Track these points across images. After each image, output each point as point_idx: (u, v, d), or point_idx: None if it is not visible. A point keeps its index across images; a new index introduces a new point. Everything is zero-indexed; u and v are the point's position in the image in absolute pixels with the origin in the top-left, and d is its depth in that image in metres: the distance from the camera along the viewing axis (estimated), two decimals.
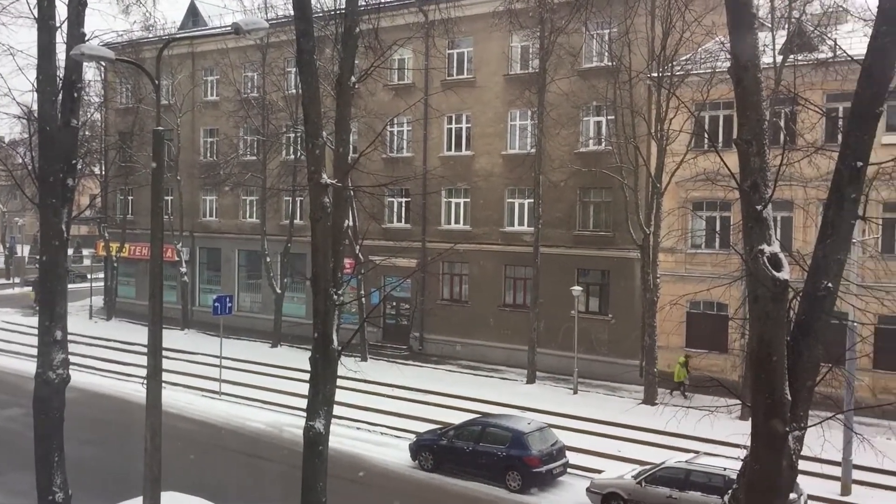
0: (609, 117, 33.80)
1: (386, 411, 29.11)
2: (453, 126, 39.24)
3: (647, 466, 20.95)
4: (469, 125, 38.78)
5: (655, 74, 30.36)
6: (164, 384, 13.09)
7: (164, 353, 13.35)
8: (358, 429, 27.32)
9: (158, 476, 13.35)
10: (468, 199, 38.91)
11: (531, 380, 34.09)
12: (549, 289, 34.53)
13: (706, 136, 30.92)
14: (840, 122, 25.22)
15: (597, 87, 32.92)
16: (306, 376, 13.99)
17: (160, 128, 14.32)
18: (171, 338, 34.45)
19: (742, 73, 8.96)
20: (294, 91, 38.89)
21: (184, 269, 46.30)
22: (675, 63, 29.90)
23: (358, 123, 36.50)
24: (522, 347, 34.74)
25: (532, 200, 35.23)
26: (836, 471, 21.35)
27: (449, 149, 39.40)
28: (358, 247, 36.75)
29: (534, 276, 34.40)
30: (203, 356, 37.09)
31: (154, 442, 13.27)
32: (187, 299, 47.15)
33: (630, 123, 31.30)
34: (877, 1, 9.15)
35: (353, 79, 14.61)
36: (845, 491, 21.55)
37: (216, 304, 32.59)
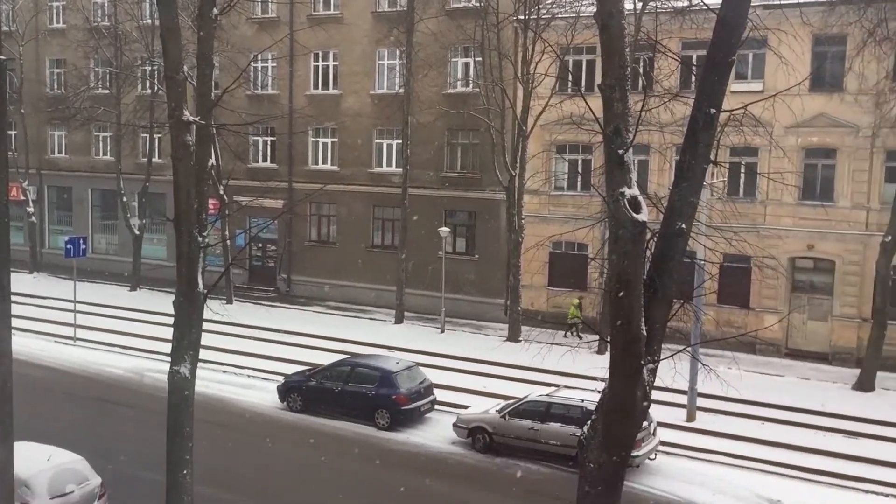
0: (477, 59, 33.91)
1: (253, 354, 28.77)
2: (320, 64, 38.34)
3: (511, 401, 21.75)
4: (336, 63, 38.00)
5: (522, 17, 30.63)
6: (13, 330, 12.39)
7: (12, 297, 12.60)
8: (225, 372, 26.91)
9: (10, 425, 12.71)
10: (336, 139, 38.35)
11: (399, 320, 34.45)
12: (418, 230, 34.80)
13: (570, 80, 31.61)
14: (694, 70, 26.42)
15: (465, 28, 32.89)
16: (169, 320, 13.61)
17: (0, 56, 13.22)
18: (20, 282, 32.56)
19: (607, 20, 9.16)
20: (150, 21, 36.85)
21: (31, 209, 43.53)
22: (541, 6, 30.24)
23: (220, 58, 35.00)
24: (391, 288, 34.99)
25: (400, 141, 35.13)
26: (684, 399, 22.91)
27: (316, 87, 38.54)
28: (222, 187, 35.67)
29: (402, 217, 34.53)
30: (55, 300, 35.33)
31: (4, 390, 12.59)
32: (36, 241, 44.56)
33: (497, 66, 31.55)
34: None
35: (214, 10, 13.94)
36: (690, 417, 23.22)
37: (68, 245, 30.92)
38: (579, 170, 33.24)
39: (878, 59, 27.45)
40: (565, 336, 30.98)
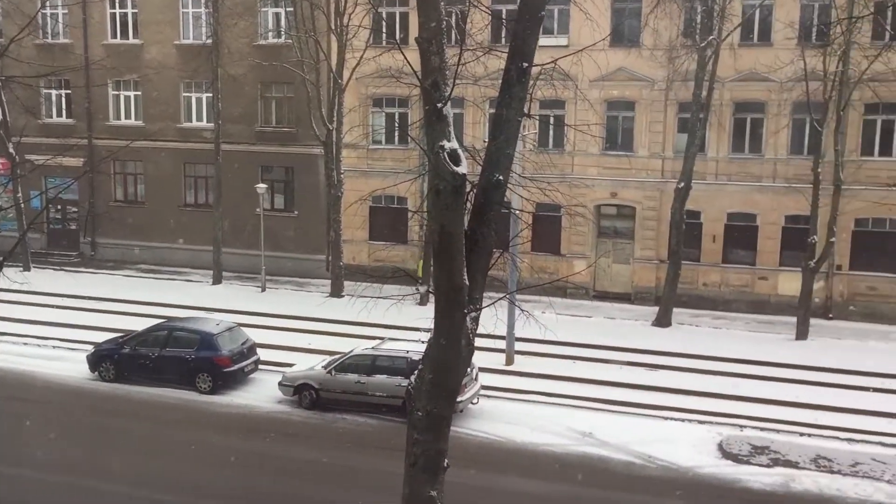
0: (288, 9, 32.95)
1: (59, 323, 26.95)
2: (117, 10, 35.89)
3: (337, 356, 21.79)
4: (136, 10, 35.67)
5: None
6: None
7: None
8: (26, 344, 25.15)
9: None
10: (139, 93, 36.18)
11: (217, 280, 33.43)
12: (233, 187, 33.69)
13: (385, 33, 31.45)
14: (504, 23, 27.00)
15: None
16: None
17: None
18: None
19: None
20: None
21: None
22: None
23: (4, 4, 31.95)
24: (207, 248, 33.81)
25: (211, 95, 33.68)
26: (503, 344, 23.89)
27: (114, 36, 36.07)
28: (12, 145, 32.83)
29: (215, 173, 33.28)
30: None
31: None
32: None
33: (310, 17, 30.79)
34: None
35: None
36: (509, 361, 24.29)
37: None
38: (397, 123, 33.32)
39: (671, 17, 29.27)
40: (416, 290, 31.49)
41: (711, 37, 27.25)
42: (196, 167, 35.89)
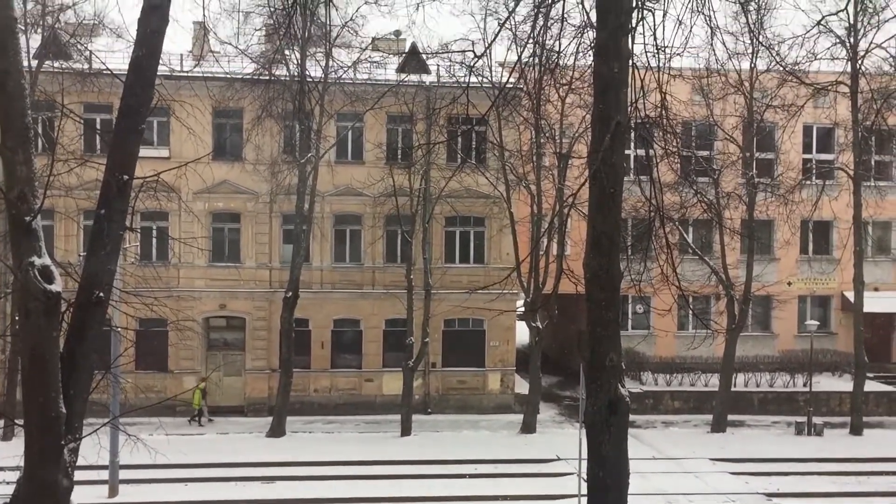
0: None
1: None
2: None
3: None
4: None
5: None
6: None
7: None
8: None
9: None
10: None
11: None
12: None
13: None
14: (99, 133, 25.83)
15: None
16: None
17: None
18: None
19: (4, 78, 8.50)
20: None
21: None
22: None
23: None
24: None
25: None
26: (106, 475, 21.83)
27: None
28: None
29: None
30: None
31: None
32: None
33: None
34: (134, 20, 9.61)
35: None
36: (112, 493, 22.20)
37: None
38: None
39: (271, 134, 30.47)
40: (190, 423, 28.38)
41: (310, 154, 28.85)
42: None
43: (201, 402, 29.84)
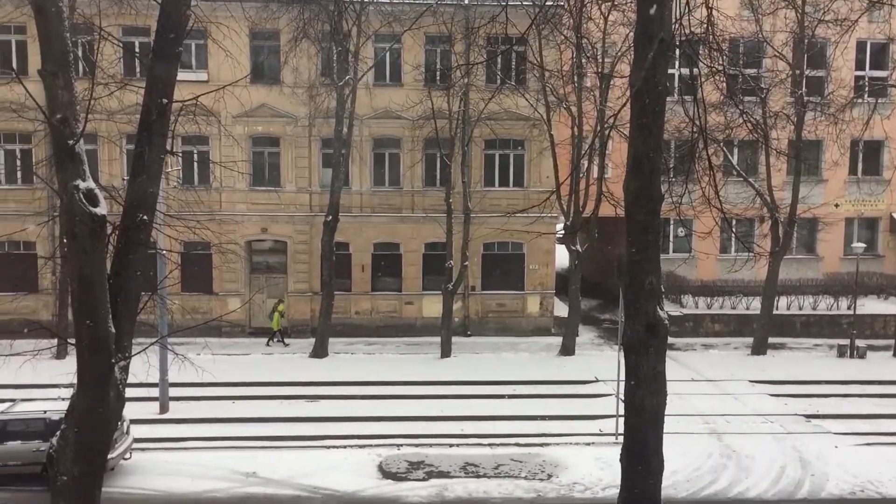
0: None
1: None
2: None
3: None
4: None
5: None
6: None
7: None
8: None
9: None
10: None
11: None
12: None
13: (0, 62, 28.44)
14: (137, 57, 25.84)
15: None
16: None
17: None
18: None
19: (42, 2, 8.50)
20: None
21: None
22: None
23: None
24: None
25: None
26: (156, 392, 22.60)
27: None
28: None
29: None
30: None
31: None
32: None
33: None
34: None
35: None
36: (163, 409, 23.03)
37: None
38: (19, 161, 30.16)
39: (309, 56, 30.21)
40: (268, 344, 29.09)
41: (348, 76, 28.60)
42: None
43: (280, 323, 30.59)
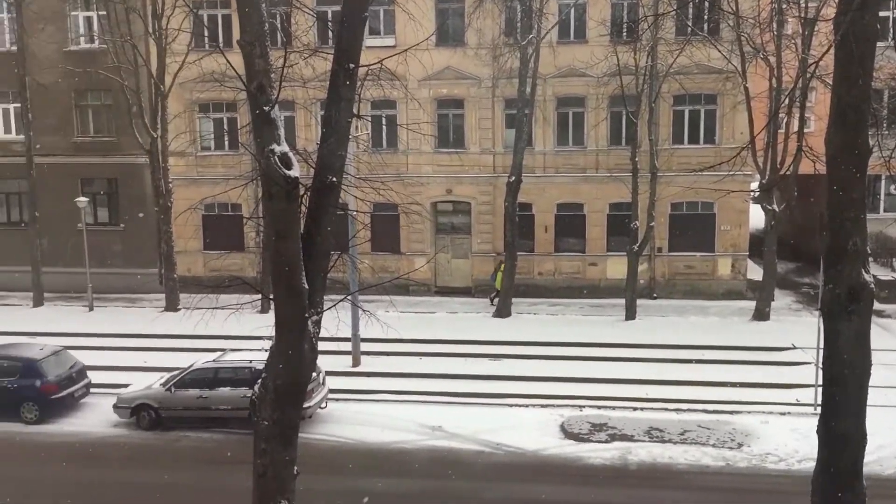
0: (101, 13, 31.26)
1: None
2: None
3: (176, 372, 20.96)
4: None
5: None
6: None
7: None
8: None
9: None
10: None
11: (39, 302, 31.35)
12: (50, 202, 31.70)
13: (207, 35, 30.53)
14: (329, 26, 26.85)
15: None
16: None
17: None
18: None
19: None
20: None
21: None
22: None
23: None
24: (25, 269, 31.58)
25: (18, 105, 31.46)
26: (349, 346, 23.81)
27: None
28: None
29: (29, 188, 31.17)
30: None
31: None
32: None
33: (125, 20, 29.35)
34: None
35: None
36: (355, 363, 24.25)
37: None
38: (226, 129, 32.44)
39: (492, 17, 30.16)
40: (492, 303, 30.29)
41: (531, 35, 28.31)
42: (6, 183, 33.39)
43: (502, 283, 30.32)
